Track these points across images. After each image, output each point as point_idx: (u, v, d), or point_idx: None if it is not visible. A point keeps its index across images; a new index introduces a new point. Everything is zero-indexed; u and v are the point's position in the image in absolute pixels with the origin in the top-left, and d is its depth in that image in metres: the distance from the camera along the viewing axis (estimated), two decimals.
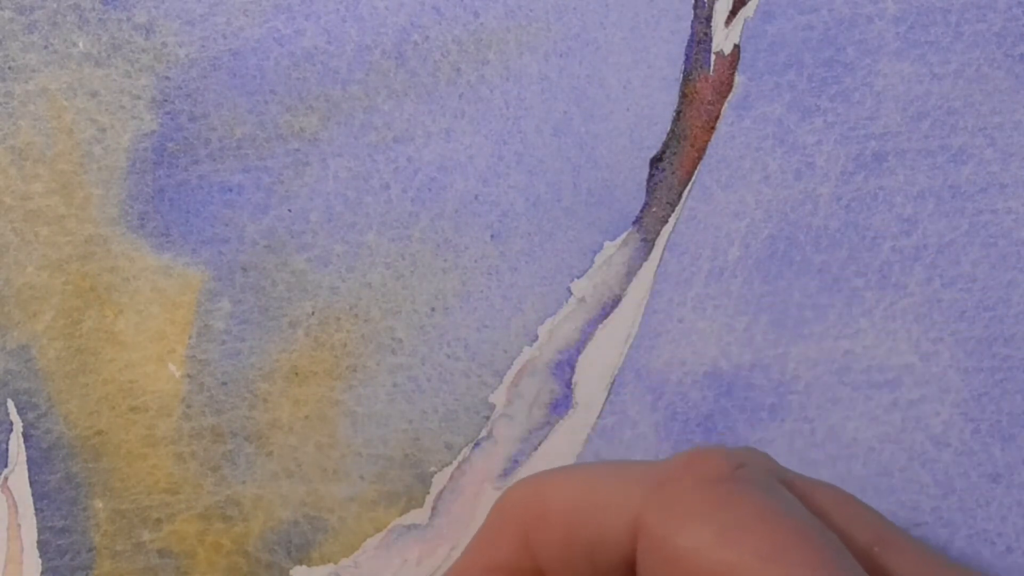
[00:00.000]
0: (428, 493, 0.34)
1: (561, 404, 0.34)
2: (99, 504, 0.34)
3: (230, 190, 0.34)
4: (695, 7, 0.35)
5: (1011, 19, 0.35)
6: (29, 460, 0.33)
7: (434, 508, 0.34)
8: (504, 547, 0.25)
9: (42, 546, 0.33)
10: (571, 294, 0.35)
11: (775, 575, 0.21)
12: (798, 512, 0.22)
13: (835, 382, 0.34)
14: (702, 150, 0.35)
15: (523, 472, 0.34)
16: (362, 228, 0.34)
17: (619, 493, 0.23)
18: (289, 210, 0.34)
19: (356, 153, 0.34)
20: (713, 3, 0.35)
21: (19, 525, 0.33)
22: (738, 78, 0.35)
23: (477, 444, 0.34)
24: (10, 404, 0.33)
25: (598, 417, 0.34)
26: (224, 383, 0.34)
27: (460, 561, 0.25)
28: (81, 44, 0.34)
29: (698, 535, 0.21)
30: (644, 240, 0.35)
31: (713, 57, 0.35)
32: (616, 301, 0.35)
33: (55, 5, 0.33)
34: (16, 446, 0.33)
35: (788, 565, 0.21)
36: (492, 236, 0.34)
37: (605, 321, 0.35)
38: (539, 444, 0.34)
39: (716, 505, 0.22)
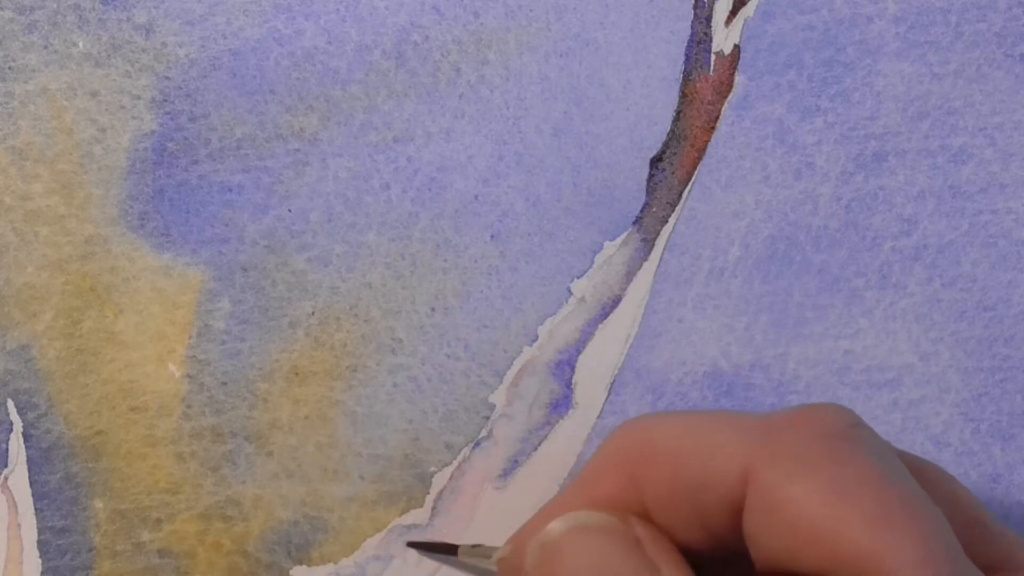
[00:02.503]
0: (428, 493, 0.34)
1: (561, 404, 0.34)
2: (99, 504, 0.34)
3: (230, 190, 0.34)
4: (695, 7, 0.35)
5: (1011, 19, 0.35)
6: (29, 460, 0.33)
7: (434, 508, 0.34)
8: (610, 483, 0.24)
9: (42, 546, 0.33)
10: (571, 294, 0.35)
11: (880, 538, 0.20)
12: (907, 480, 0.22)
13: (835, 382, 0.34)
14: (702, 150, 0.35)
15: (523, 472, 0.34)
16: (362, 228, 0.34)
17: (730, 437, 0.23)
18: (289, 210, 0.34)
19: (356, 153, 0.34)
20: (713, 3, 0.35)
21: (19, 525, 0.33)
22: (738, 78, 0.35)
23: (477, 444, 0.34)
24: (10, 404, 0.33)
25: (598, 417, 0.34)
26: (224, 383, 0.34)
27: (565, 494, 0.25)
28: (81, 44, 0.34)
29: (808, 487, 0.21)
30: (644, 240, 0.35)
31: (713, 57, 0.35)
32: (616, 301, 0.35)
33: (55, 5, 0.33)
34: (16, 446, 0.33)
35: (894, 530, 0.21)
36: (492, 236, 0.34)
37: (605, 321, 0.35)
38: (539, 444, 0.34)
39: (829, 460, 0.22)
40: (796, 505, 0.21)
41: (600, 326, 0.35)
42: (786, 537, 0.21)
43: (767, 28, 0.35)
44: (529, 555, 0.24)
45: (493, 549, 0.29)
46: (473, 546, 0.31)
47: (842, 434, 0.22)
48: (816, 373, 0.34)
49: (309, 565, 0.34)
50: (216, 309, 0.34)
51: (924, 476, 0.23)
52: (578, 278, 0.35)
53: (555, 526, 0.24)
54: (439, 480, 0.34)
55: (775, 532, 0.22)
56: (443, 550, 0.32)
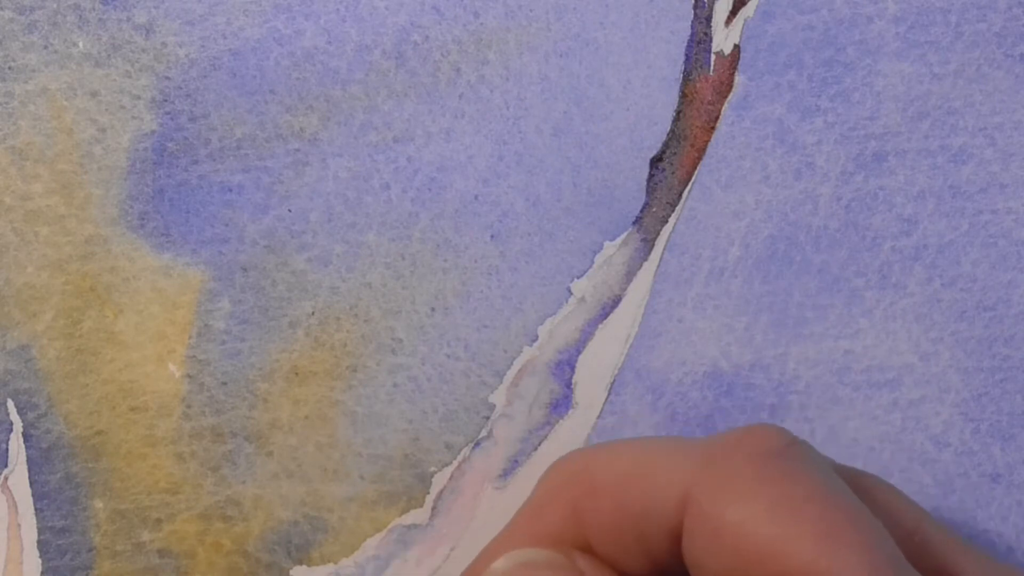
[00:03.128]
0: (428, 493, 0.34)
1: (561, 404, 0.34)
2: (99, 504, 0.34)
3: (230, 190, 0.34)
4: (695, 7, 0.35)
5: (1011, 19, 0.35)
6: (29, 460, 0.33)
7: (434, 508, 0.34)
8: (552, 518, 0.25)
9: (42, 546, 0.33)
10: (571, 294, 0.35)
11: (824, 554, 0.21)
12: (847, 495, 0.22)
13: (835, 382, 0.34)
14: (702, 150, 0.35)
15: (523, 472, 0.34)
16: (362, 228, 0.34)
17: (669, 466, 0.23)
18: (289, 210, 0.34)
19: (356, 153, 0.34)
20: (713, 3, 0.35)
21: (19, 525, 0.33)
22: (738, 78, 0.35)
23: (477, 444, 0.34)
24: (10, 404, 0.33)
25: (598, 417, 0.34)
26: (224, 383, 0.34)
27: (507, 531, 0.25)
28: (81, 44, 0.34)
29: (748, 509, 0.21)
30: (644, 240, 0.35)
31: (713, 57, 0.35)
32: (616, 301, 0.35)
33: (55, 5, 0.33)
34: (16, 446, 0.33)
35: (837, 545, 0.21)
36: (492, 236, 0.34)
37: (605, 321, 0.35)
38: (539, 444, 0.34)
39: (768, 480, 0.22)
40: (739, 527, 0.21)
41: (600, 326, 0.35)
42: (730, 559, 0.22)
43: (767, 28, 0.35)
44: None
45: None
46: None
47: (780, 453, 0.22)
48: (816, 373, 0.34)
49: (309, 565, 0.34)
50: (216, 309, 0.34)
51: (863, 488, 0.23)
52: (578, 278, 0.35)
53: (499, 564, 0.24)
54: (439, 480, 0.34)
55: (718, 555, 0.22)
56: None
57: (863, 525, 0.21)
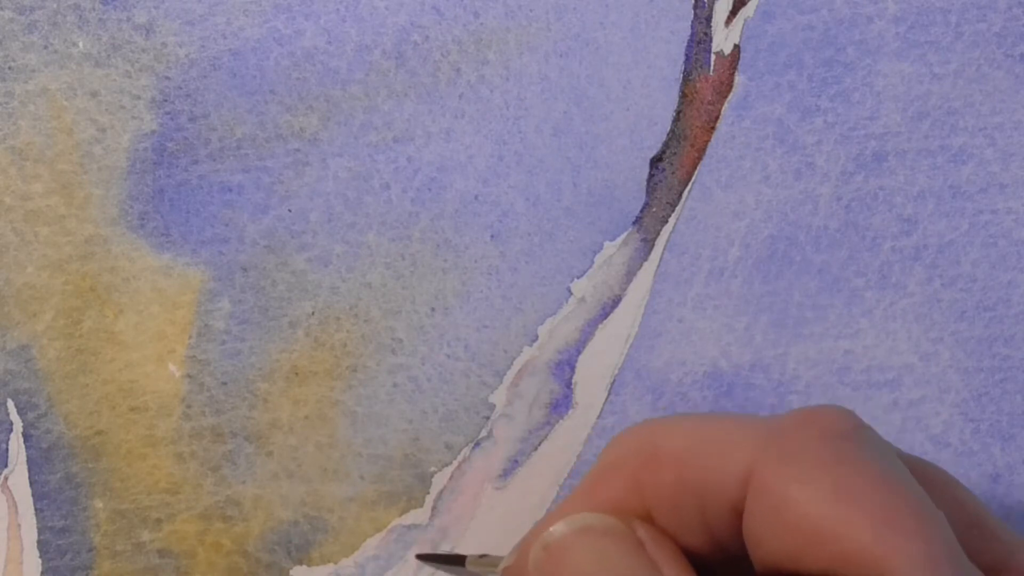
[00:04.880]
0: (428, 493, 0.34)
1: (561, 404, 0.34)
2: (99, 504, 0.34)
3: (230, 190, 0.34)
4: (695, 7, 0.35)
5: (1011, 19, 0.35)
6: (29, 460, 0.33)
7: (434, 508, 0.34)
8: (614, 487, 0.24)
9: (42, 546, 0.33)
10: (571, 294, 0.35)
11: (882, 540, 0.21)
12: (910, 482, 0.22)
13: (835, 382, 0.34)
14: (702, 150, 0.35)
15: (523, 472, 0.34)
16: (362, 228, 0.34)
17: (734, 439, 0.23)
18: (289, 210, 0.34)
19: (356, 153, 0.34)
20: (713, 3, 0.35)
21: (19, 525, 0.33)
22: (738, 78, 0.35)
23: (477, 444, 0.34)
24: (10, 404, 0.33)
25: (598, 417, 0.34)
26: (224, 383, 0.34)
27: (569, 499, 0.25)
28: (81, 44, 0.34)
29: (812, 489, 0.21)
30: (644, 240, 0.35)
31: (713, 57, 0.35)
32: (616, 301, 0.35)
33: (55, 5, 0.33)
34: (16, 446, 0.33)
35: (896, 533, 0.21)
36: (492, 236, 0.34)
37: (605, 321, 0.35)
38: (539, 444, 0.34)
39: (834, 461, 0.22)
40: (800, 506, 0.21)
41: (600, 326, 0.35)
42: (789, 538, 0.22)
43: (767, 28, 0.35)
44: (532, 556, 0.24)
45: (500, 559, 0.29)
46: (480, 556, 0.32)
47: (846, 435, 0.22)
48: (816, 373, 0.34)
49: (309, 565, 0.34)
50: (216, 309, 0.34)
51: (926, 477, 0.23)
52: (578, 278, 0.35)
53: (558, 528, 0.24)
54: (439, 480, 0.34)
55: (777, 533, 0.22)
56: (451, 561, 0.32)
57: (924, 514, 0.21)
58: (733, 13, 0.35)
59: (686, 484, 0.23)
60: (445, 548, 0.34)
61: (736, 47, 0.35)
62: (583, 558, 0.23)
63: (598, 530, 0.24)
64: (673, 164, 0.35)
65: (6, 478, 0.33)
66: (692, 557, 0.24)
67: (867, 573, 0.21)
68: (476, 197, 0.34)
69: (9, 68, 0.33)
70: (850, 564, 0.21)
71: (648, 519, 0.24)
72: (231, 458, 0.34)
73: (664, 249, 0.35)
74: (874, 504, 0.21)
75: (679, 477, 0.23)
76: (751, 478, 0.22)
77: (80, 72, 0.34)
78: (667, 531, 0.24)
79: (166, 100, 0.34)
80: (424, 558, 0.33)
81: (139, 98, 0.34)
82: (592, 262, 0.35)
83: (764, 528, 0.22)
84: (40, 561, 0.33)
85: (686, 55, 0.35)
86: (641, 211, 0.35)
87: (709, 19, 0.35)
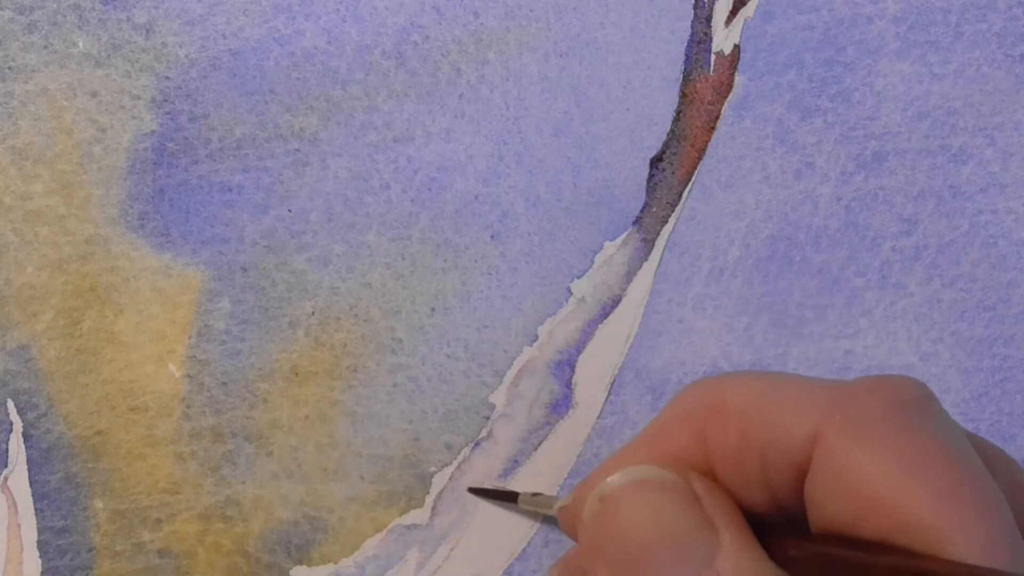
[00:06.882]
0: (428, 493, 0.34)
1: (561, 404, 0.34)
2: (99, 504, 0.34)
3: (230, 190, 0.34)
4: (695, 7, 0.35)
5: (1011, 19, 0.35)
6: (29, 460, 0.33)
7: (434, 508, 0.34)
8: (678, 438, 0.24)
9: (42, 546, 0.33)
10: (571, 294, 0.35)
11: (942, 513, 0.20)
12: (973, 459, 0.22)
13: None
14: (702, 150, 0.35)
15: (523, 472, 0.34)
16: (362, 228, 0.34)
17: (802, 400, 0.23)
18: (289, 210, 0.34)
19: (356, 153, 0.34)
20: (713, 3, 0.35)
21: (19, 525, 0.33)
22: (738, 78, 0.35)
23: (477, 444, 0.34)
24: (10, 404, 0.33)
25: (598, 417, 0.34)
26: (224, 383, 0.34)
27: (631, 445, 0.25)
28: (81, 44, 0.34)
29: (876, 455, 0.21)
30: (644, 240, 0.35)
31: (713, 57, 0.35)
32: (616, 301, 0.35)
33: (55, 5, 0.33)
34: (16, 446, 0.33)
35: (957, 507, 0.21)
36: (492, 236, 0.34)
37: (605, 321, 0.35)
38: (539, 444, 0.34)
39: (899, 430, 0.22)
40: (864, 471, 0.21)
41: (600, 326, 0.35)
42: (850, 502, 0.22)
43: (767, 28, 0.35)
44: (587, 506, 0.24)
45: (553, 498, 0.29)
46: (533, 494, 0.32)
47: (914, 406, 0.22)
48: (816, 373, 0.34)
49: (309, 565, 0.34)
50: (216, 309, 0.34)
51: (988, 457, 0.23)
52: (578, 278, 0.35)
53: (614, 479, 0.24)
54: (439, 480, 0.34)
55: (839, 496, 0.22)
56: (503, 497, 0.32)
57: (985, 492, 0.21)
58: (733, 13, 0.35)
59: (751, 440, 0.23)
60: (445, 548, 0.34)
61: (736, 47, 0.35)
62: (637, 512, 0.23)
63: (654, 484, 0.23)
64: (673, 164, 0.35)
65: (6, 478, 0.33)
66: (749, 513, 0.24)
67: (924, 544, 0.21)
68: (476, 197, 0.34)
69: (9, 68, 0.33)
70: (908, 534, 0.21)
71: (709, 472, 0.24)
72: (231, 458, 0.34)
73: (664, 249, 0.35)
74: (936, 477, 0.21)
75: (744, 432, 0.23)
76: (817, 440, 0.22)
77: (80, 72, 0.34)
78: (728, 487, 0.24)
79: (166, 100, 0.34)
80: (476, 491, 0.33)
81: (139, 98, 0.34)
82: (592, 262, 0.35)
83: (826, 490, 0.22)
84: (40, 561, 0.33)
85: (686, 55, 0.35)
86: (641, 211, 0.35)
87: (709, 19, 0.35)
